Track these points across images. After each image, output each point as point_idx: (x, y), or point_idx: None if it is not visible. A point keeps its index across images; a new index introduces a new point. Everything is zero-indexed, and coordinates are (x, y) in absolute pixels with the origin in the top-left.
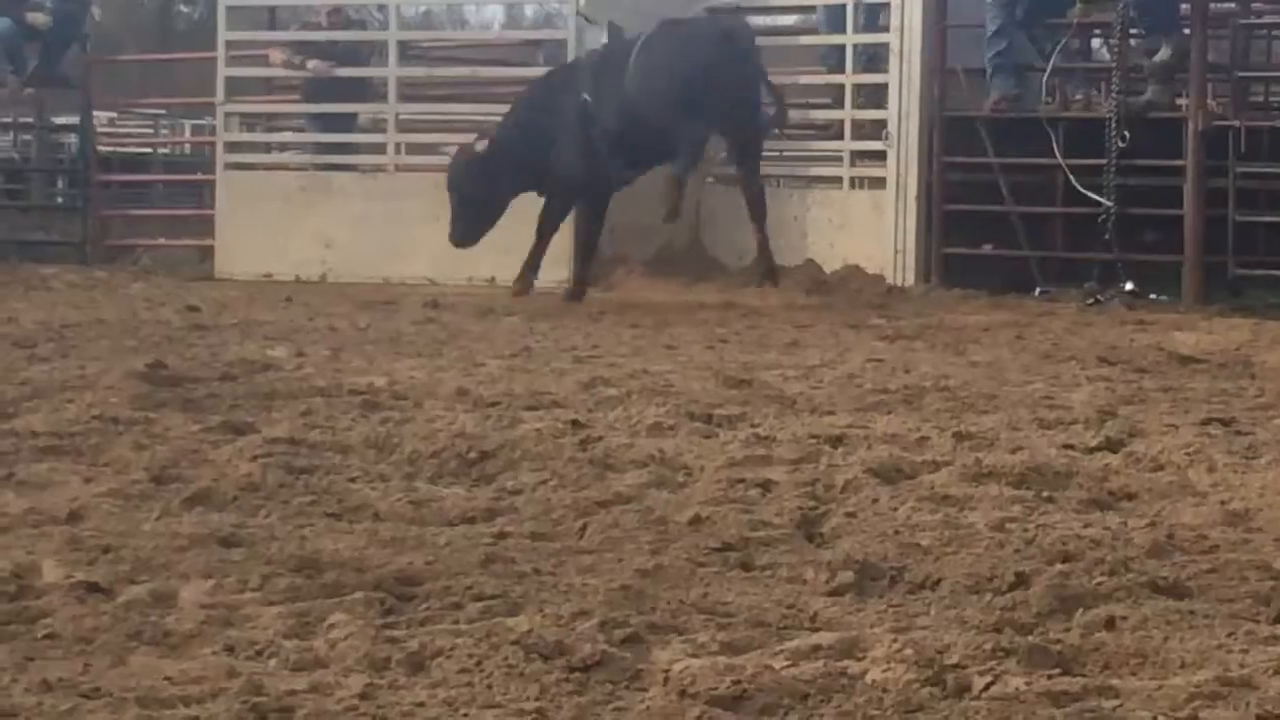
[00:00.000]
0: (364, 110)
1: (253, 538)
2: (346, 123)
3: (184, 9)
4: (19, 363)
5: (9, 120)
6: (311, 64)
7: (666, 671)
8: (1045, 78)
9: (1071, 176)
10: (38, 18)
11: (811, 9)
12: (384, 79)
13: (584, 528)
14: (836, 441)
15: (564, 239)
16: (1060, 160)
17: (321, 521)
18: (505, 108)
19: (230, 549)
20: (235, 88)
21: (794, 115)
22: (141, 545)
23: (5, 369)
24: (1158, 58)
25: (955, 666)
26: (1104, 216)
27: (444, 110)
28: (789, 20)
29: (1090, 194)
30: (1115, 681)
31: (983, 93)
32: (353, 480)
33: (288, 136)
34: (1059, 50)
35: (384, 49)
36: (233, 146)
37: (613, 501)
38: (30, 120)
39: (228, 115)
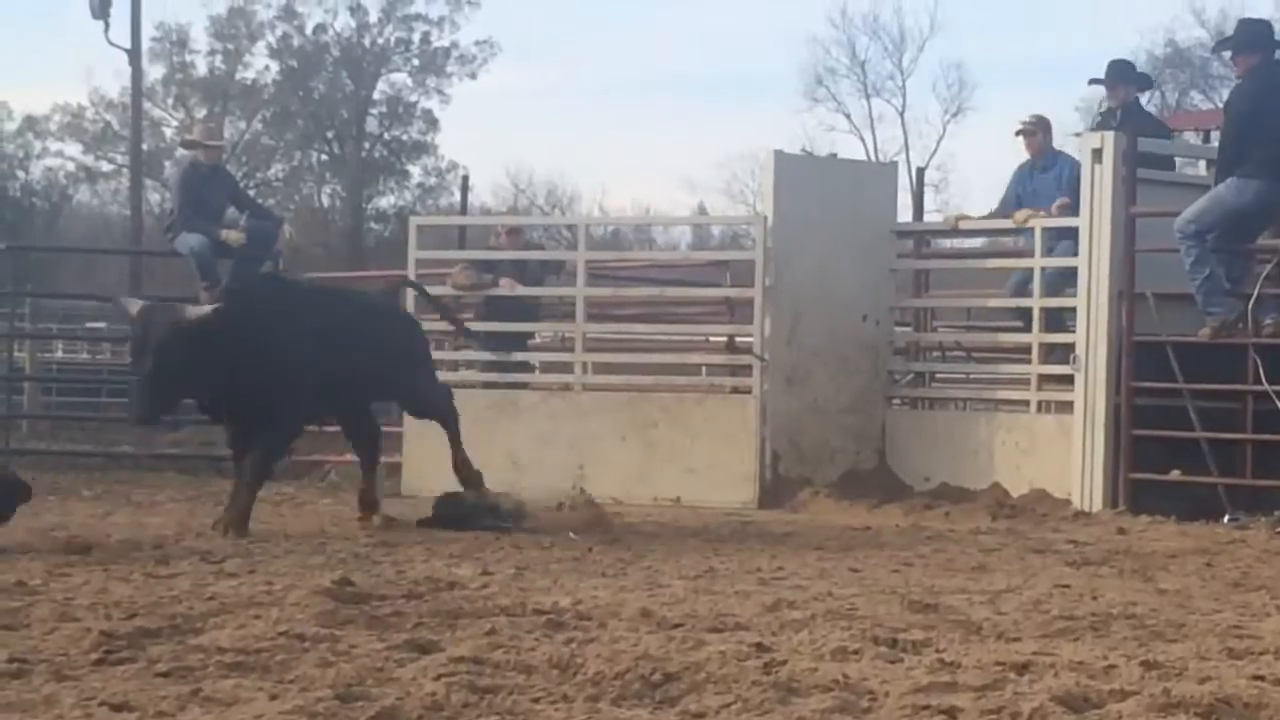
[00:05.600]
0: (548, 329)
1: None
2: (520, 341)
3: (374, 226)
4: (207, 578)
5: None
6: (504, 281)
7: None
8: (1251, 305)
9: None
10: (231, 235)
11: (1000, 232)
12: (572, 298)
13: None
14: (1022, 669)
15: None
16: (1264, 386)
17: None
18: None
19: None
20: (425, 305)
21: (981, 338)
22: None
23: (193, 584)
24: None
25: None
26: None
27: (630, 330)
28: (976, 243)
29: None
30: None
31: (1173, 317)
32: (536, 701)
33: (474, 354)
34: (1256, 277)
35: (561, 267)
36: None
37: None
38: None
39: None
